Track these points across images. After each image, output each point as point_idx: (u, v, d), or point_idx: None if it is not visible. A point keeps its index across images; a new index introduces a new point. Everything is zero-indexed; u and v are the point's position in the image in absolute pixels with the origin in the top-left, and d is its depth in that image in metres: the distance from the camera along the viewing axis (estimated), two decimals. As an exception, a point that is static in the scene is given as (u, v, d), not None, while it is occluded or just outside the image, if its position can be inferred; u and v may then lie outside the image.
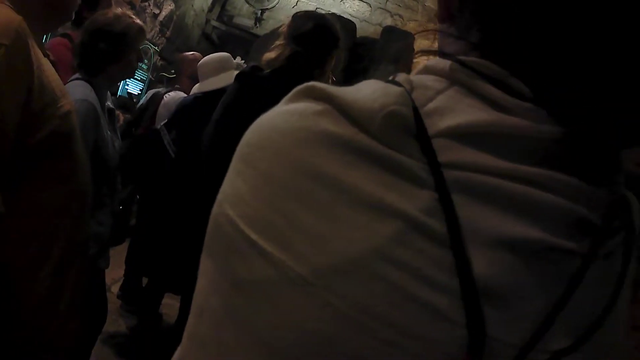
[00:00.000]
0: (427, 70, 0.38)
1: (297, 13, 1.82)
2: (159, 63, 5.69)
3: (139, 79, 5.28)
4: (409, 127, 0.32)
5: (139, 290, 2.97)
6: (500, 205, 0.31)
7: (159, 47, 5.57)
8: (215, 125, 1.76)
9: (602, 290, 0.36)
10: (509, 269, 0.30)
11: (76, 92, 1.64)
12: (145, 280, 2.94)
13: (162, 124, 2.42)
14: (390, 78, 0.37)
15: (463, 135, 0.32)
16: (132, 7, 4.57)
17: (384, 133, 0.31)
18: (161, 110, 3.01)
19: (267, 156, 0.33)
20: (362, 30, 6.51)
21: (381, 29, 6.53)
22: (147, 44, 5.21)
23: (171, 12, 5.53)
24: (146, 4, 4.98)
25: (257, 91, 1.66)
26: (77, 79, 1.74)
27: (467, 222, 0.30)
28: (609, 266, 0.36)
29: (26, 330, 1.14)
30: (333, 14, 5.91)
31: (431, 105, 0.34)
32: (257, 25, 6.92)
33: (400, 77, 0.37)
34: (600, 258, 0.34)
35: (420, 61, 0.43)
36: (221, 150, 1.78)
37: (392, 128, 0.31)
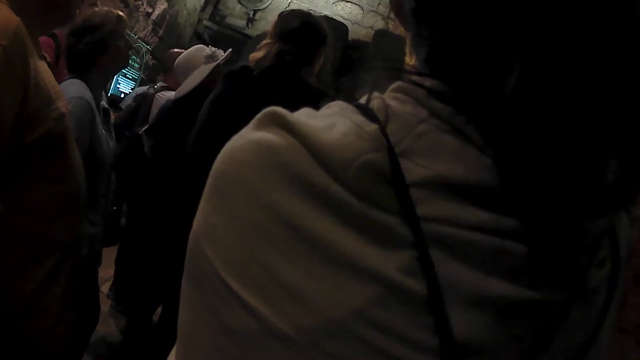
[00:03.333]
0: (403, 92, 0.36)
1: (283, 12, 1.82)
2: (151, 62, 5.67)
3: (131, 77, 5.26)
4: (385, 175, 0.31)
5: (129, 290, 2.96)
6: (481, 262, 0.30)
7: (151, 46, 5.56)
8: (202, 125, 1.76)
9: (584, 325, 0.36)
10: (488, 326, 0.30)
11: (72, 89, 1.65)
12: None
13: (142, 130, 2.40)
14: (365, 100, 0.36)
15: (441, 184, 0.31)
16: (126, 5, 4.55)
17: (359, 185, 0.30)
18: (154, 110, 2.93)
19: (242, 195, 0.32)
20: (354, 33, 6.53)
21: (373, 31, 6.56)
22: (140, 43, 5.19)
23: (164, 12, 5.52)
24: (139, 2, 4.96)
25: (245, 91, 1.65)
26: (72, 77, 1.75)
27: (446, 280, 0.30)
28: (593, 300, 0.36)
29: (16, 330, 1.14)
30: (325, 16, 5.92)
31: (409, 142, 0.32)
32: (249, 25, 6.92)
33: (375, 102, 0.35)
34: (582, 297, 0.34)
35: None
36: (206, 151, 1.77)
37: (367, 179, 0.30)
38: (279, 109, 0.34)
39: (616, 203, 0.34)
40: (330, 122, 0.33)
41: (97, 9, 1.87)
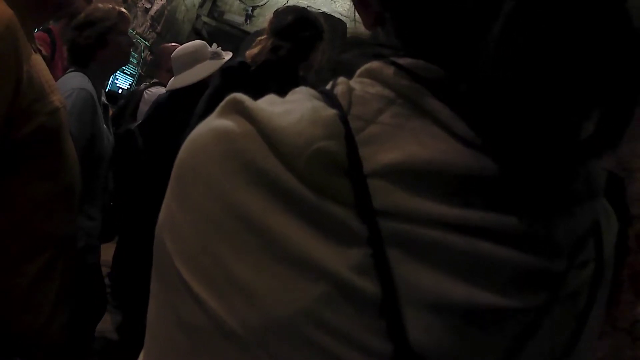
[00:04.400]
0: (369, 75, 0.34)
1: (278, 9, 1.83)
2: (149, 58, 5.65)
3: (129, 73, 5.25)
4: (340, 164, 0.29)
5: (125, 286, 2.95)
6: (442, 263, 0.28)
7: (150, 41, 5.54)
8: (199, 120, 1.76)
9: (562, 330, 0.34)
10: (448, 333, 0.28)
11: (74, 81, 1.67)
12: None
13: (135, 125, 2.38)
14: (330, 85, 0.34)
15: (402, 173, 0.29)
16: (124, 0, 4.54)
17: (311, 174, 0.28)
18: (142, 107, 2.92)
19: (198, 184, 0.31)
20: (353, 29, 6.51)
21: (372, 28, 6.53)
22: (138, 39, 5.18)
23: (162, 7, 5.51)
24: (137, -2, 4.95)
25: (242, 86, 1.65)
26: (73, 70, 1.78)
27: (403, 281, 0.28)
28: (573, 303, 0.34)
29: (9, 327, 1.14)
30: (323, 13, 5.91)
31: (371, 129, 0.30)
32: (248, 22, 6.91)
33: (339, 87, 0.34)
34: (560, 301, 0.32)
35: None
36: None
37: (320, 169, 0.29)
38: (239, 96, 0.32)
39: (593, 153, 0.30)
40: (290, 107, 0.31)
41: (100, 5, 1.88)
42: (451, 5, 0.30)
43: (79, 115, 1.58)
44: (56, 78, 1.71)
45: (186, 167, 0.32)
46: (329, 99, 0.32)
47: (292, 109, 0.31)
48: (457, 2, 0.30)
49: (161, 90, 2.97)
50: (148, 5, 5.23)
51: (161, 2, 5.44)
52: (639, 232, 1.13)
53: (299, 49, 1.71)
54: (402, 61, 0.33)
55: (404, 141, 0.29)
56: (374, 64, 0.34)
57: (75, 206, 1.31)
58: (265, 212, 0.28)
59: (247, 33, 6.47)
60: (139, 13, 5.09)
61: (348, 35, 5.80)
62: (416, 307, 0.28)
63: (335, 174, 0.29)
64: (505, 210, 0.29)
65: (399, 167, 0.29)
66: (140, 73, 5.38)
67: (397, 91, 0.32)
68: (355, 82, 0.34)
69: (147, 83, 3.23)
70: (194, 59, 2.41)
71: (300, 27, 1.71)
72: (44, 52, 1.25)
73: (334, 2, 6.96)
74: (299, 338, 0.27)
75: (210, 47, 2.54)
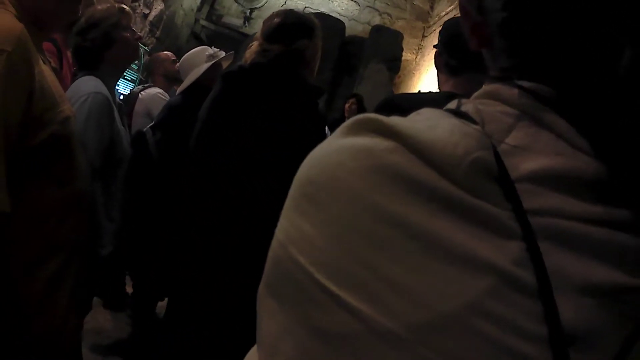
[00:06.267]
0: (490, 96, 0.38)
1: (271, 14, 1.80)
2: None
3: (129, 79, 5.28)
4: (492, 172, 0.32)
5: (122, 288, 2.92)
6: (586, 251, 0.31)
7: (149, 47, 5.58)
8: (202, 125, 1.77)
9: None
10: (594, 313, 0.31)
11: (88, 85, 1.63)
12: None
13: (148, 126, 2.41)
14: (455, 106, 0.37)
15: (544, 178, 0.32)
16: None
17: (469, 181, 0.31)
18: (137, 107, 3.03)
19: (339, 199, 0.33)
20: (351, 28, 6.54)
21: (370, 27, 6.57)
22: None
23: (161, 12, 5.54)
24: (136, 4, 4.98)
25: (244, 90, 1.66)
26: (83, 75, 1.73)
27: (554, 269, 0.30)
28: None
29: (25, 330, 1.17)
30: (321, 13, 5.94)
31: (508, 142, 0.34)
32: (246, 24, 6.95)
33: (468, 106, 0.37)
34: None
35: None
36: (209, 150, 1.79)
37: (477, 175, 0.31)
38: (373, 115, 0.34)
39: None
40: (430, 123, 0.34)
41: (98, 6, 1.83)
42: (568, 32, 0.34)
43: (97, 120, 1.56)
44: (66, 87, 1.71)
45: (317, 184, 0.34)
46: (465, 117, 0.35)
47: (435, 125, 0.34)
48: (577, 29, 0.33)
49: (155, 90, 3.15)
50: (146, 11, 5.27)
51: (159, 7, 5.48)
52: None
53: (289, 51, 1.69)
54: (523, 83, 0.36)
55: (540, 153, 0.33)
56: (493, 87, 0.38)
57: (85, 211, 1.34)
58: (425, 217, 0.30)
59: (245, 35, 6.51)
60: (138, 19, 5.13)
61: (346, 36, 5.81)
62: (567, 292, 0.30)
63: (489, 180, 0.32)
64: (620, 206, 0.33)
65: (541, 173, 0.32)
66: (141, 78, 5.41)
67: (522, 109, 0.35)
68: (477, 103, 0.38)
69: (142, 86, 3.35)
70: (192, 64, 2.56)
71: (288, 30, 1.70)
72: (53, 63, 1.28)
73: (332, 1, 6.99)
74: (464, 330, 0.29)
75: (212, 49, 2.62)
